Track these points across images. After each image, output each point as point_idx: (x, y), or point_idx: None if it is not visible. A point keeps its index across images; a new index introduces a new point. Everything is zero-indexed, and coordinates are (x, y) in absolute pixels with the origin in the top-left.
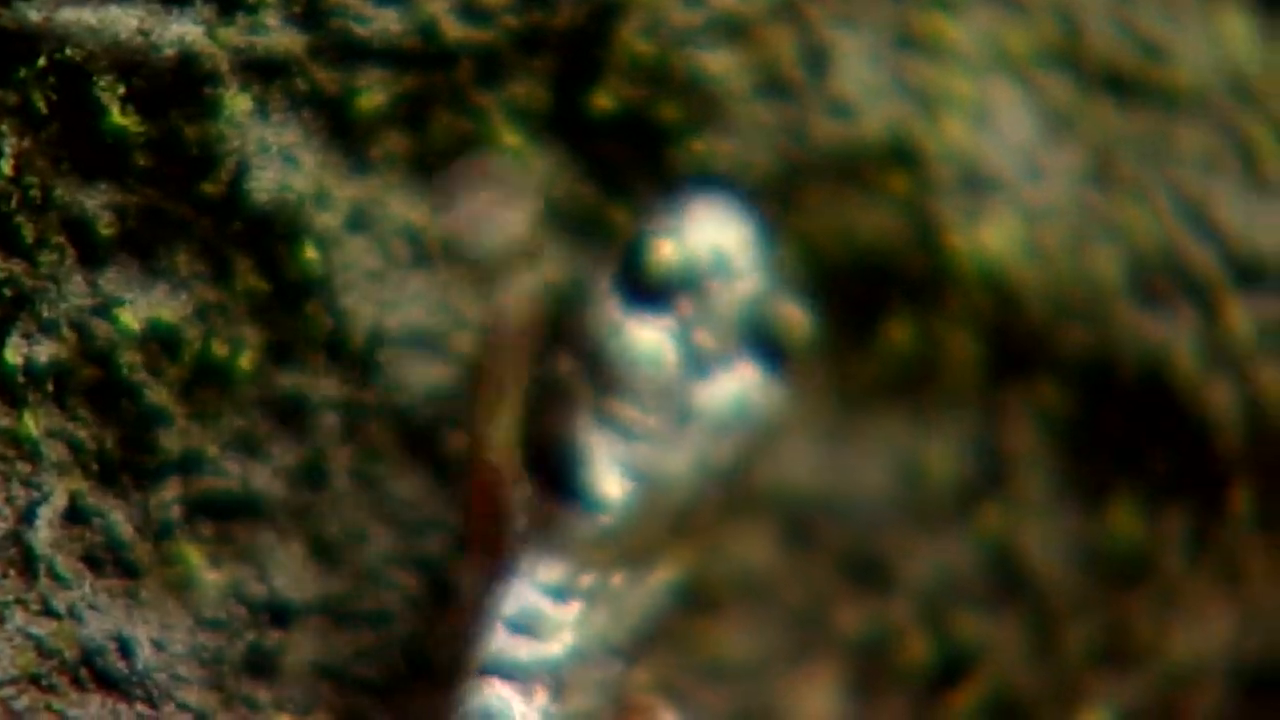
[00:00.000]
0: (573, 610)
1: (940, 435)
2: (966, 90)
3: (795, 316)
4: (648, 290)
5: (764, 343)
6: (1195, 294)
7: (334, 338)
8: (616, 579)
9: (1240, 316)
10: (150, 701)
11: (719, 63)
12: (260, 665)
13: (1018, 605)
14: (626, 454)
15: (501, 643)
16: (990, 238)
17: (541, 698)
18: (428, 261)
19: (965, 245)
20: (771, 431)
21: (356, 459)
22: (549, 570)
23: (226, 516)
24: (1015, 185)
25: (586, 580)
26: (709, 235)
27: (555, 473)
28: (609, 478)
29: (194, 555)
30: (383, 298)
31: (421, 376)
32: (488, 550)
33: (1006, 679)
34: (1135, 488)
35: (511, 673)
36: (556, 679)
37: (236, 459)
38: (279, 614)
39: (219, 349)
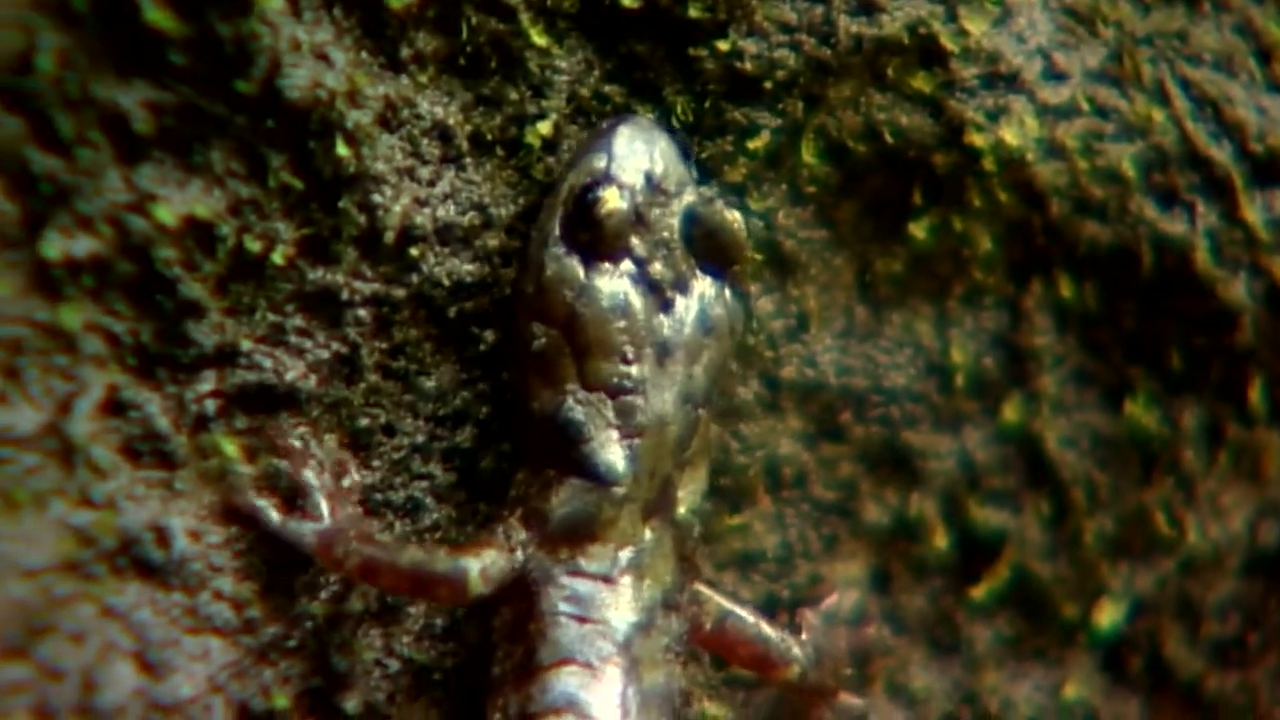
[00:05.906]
0: (624, 585)
1: (963, 331)
2: None
3: (729, 216)
4: (605, 243)
5: (710, 250)
6: (1212, 190)
7: (366, 234)
8: (645, 532)
9: (1256, 212)
10: (188, 589)
11: None
12: (294, 555)
13: (1038, 498)
14: (620, 414)
15: (570, 633)
16: (1010, 136)
17: (615, 676)
18: (458, 159)
19: (986, 144)
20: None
21: (388, 353)
22: (590, 557)
23: (261, 409)
24: (1035, 85)
25: (624, 553)
26: (638, 165)
27: (563, 457)
28: (612, 448)
29: (230, 447)
30: (414, 194)
31: (451, 272)
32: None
33: (1027, 570)
34: (1153, 382)
35: (583, 658)
36: (628, 656)
37: (271, 353)
38: None
39: (254, 244)
